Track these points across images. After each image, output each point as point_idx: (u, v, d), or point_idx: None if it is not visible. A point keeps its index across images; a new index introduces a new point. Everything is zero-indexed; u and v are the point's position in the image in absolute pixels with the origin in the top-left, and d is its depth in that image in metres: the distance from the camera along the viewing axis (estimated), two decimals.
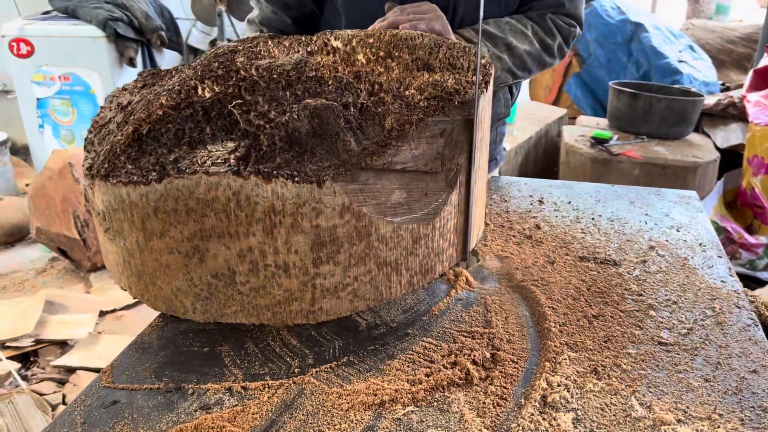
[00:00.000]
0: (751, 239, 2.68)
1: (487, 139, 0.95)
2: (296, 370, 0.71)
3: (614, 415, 0.64)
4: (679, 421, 0.63)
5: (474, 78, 0.82)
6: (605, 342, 0.75)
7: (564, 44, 1.28)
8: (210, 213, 0.68)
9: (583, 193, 1.24)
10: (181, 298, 0.74)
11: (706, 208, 2.81)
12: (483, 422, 0.63)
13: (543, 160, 3.37)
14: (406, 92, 0.79)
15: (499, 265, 0.94)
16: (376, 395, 0.66)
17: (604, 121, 3.20)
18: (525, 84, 5.09)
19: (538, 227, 1.07)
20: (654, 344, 0.75)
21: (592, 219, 1.11)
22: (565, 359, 0.72)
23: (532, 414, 0.63)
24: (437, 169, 0.79)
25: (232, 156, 0.67)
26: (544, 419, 0.63)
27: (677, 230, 1.07)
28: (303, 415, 0.64)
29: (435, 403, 0.65)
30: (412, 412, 0.64)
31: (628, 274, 0.91)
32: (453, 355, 0.72)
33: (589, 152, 2.74)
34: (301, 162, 0.68)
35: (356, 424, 0.62)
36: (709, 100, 3.21)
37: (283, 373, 0.70)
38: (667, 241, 1.03)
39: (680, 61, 4.04)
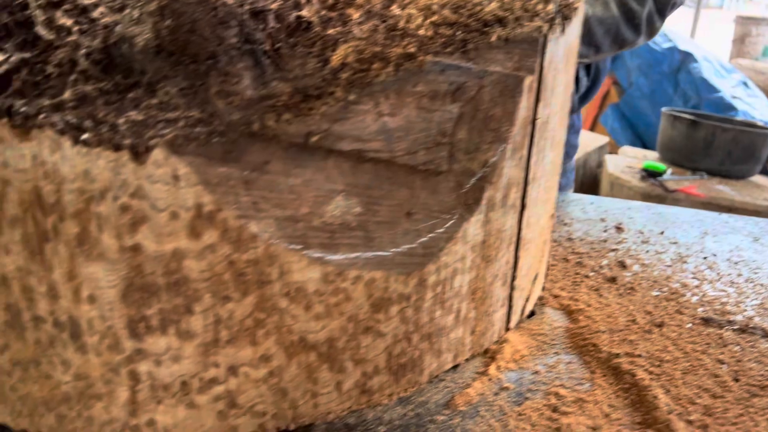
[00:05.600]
0: None
1: (561, 123, 0.57)
2: None
3: None
4: None
5: (541, 6, 0.45)
6: None
7: (657, 15, 0.92)
8: None
9: (679, 221, 0.86)
10: None
11: None
12: None
13: (580, 192, 2.98)
14: (397, 11, 0.41)
15: (567, 323, 0.56)
16: None
17: (652, 154, 2.81)
18: None
19: (623, 265, 0.69)
20: None
21: (704, 259, 0.73)
22: None
23: None
24: (439, 165, 0.40)
25: None
26: None
27: None
28: None
29: None
30: None
31: None
32: None
33: (639, 185, 2.34)
34: (113, 104, 0.30)
35: None
36: None
37: None
38: None
39: (734, 97, 3.66)
